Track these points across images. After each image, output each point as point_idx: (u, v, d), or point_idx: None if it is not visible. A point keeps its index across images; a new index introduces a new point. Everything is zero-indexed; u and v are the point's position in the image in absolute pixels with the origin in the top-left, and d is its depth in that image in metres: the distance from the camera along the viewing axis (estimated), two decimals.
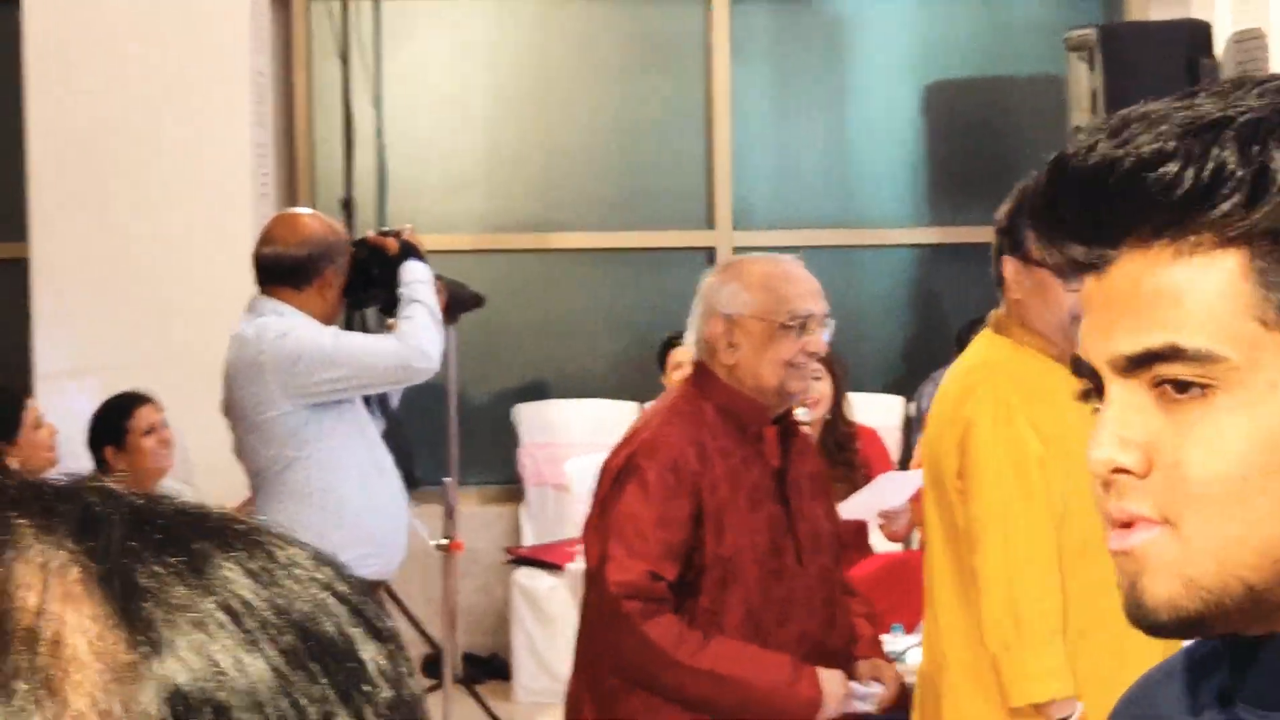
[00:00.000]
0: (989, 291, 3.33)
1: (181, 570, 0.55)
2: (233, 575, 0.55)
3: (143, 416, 4.74)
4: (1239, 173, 0.94)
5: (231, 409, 4.10)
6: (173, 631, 0.53)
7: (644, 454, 3.23)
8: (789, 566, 3.24)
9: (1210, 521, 0.98)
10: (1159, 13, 7.24)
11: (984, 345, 3.31)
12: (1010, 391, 3.07)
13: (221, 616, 0.54)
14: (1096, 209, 1.01)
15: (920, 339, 6.85)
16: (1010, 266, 3.19)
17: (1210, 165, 0.94)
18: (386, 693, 0.57)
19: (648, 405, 6.67)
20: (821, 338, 3.20)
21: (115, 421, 4.73)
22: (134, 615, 0.53)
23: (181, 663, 0.53)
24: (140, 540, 0.55)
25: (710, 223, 7.06)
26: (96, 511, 0.55)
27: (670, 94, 7.11)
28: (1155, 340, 0.98)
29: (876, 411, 5.99)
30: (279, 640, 0.55)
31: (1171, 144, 0.95)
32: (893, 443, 5.94)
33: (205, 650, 0.54)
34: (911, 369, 6.03)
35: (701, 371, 3.29)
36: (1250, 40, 6.37)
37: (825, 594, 3.21)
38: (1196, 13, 6.89)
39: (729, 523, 3.20)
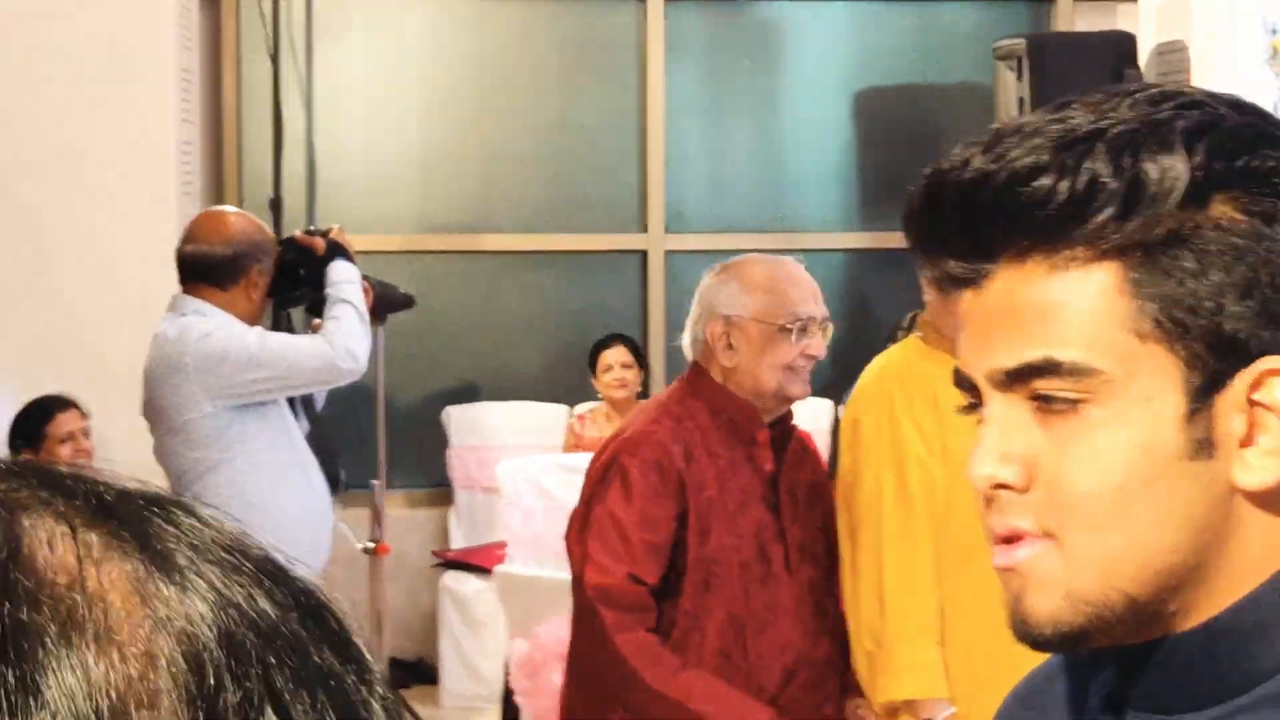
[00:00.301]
0: (918, 296, 3.34)
1: (178, 523, 0.57)
2: (216, 533, 0.57)
3: (62, 423, 4.67)
4: (1111, 185, 0.94)
5: (152, 411, 4.04)
6: (197, 575, 0.55)
7: (627, 452, 3.17)
8: (775, 573, 3.17)
9: (1091, 535, 0.98)
10: (1085, 24, 7.33)
11: (898, 348, 3.32)
12: (898, 392, 3.07)
13: (227, 560, 0.56)
14: (971, 224, 1.00)
15: (849, 343, 6.89)
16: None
17: (1083, 178, 0.94)
18: (377, 667, 0.58)
19: (581, 408, 6.73)
20: (821, 341, 3.17)
21: (34, 425, 4.66)
22: (159, 563, 0.55)
23: (211, 602, 0.55)
24: (133, 502, 0.57)
25: (642, 226, 7.03)
26: (79, 482, 0.57)
27: (603, 97, 7.12)
28: (1032, 354, 0.98)
29: (806, 415, 6.00)
30: (277, 592, 0.57)
31: (1045, 157, 0.94)
32: (822, 445, 5.98)
33: (229, 591, 0.55)
34: (840, 373, 6.05)
35: (696, 372, 3.24)
36: (1173, 52, 6.41)
37: (813, 604, 3.13)
38: (1122, 25, 6.95)
39: (714, 524, 3.14)
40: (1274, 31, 5.70)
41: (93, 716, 0.51)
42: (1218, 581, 0.98)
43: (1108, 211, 0.94)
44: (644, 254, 6.94)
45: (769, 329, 3.15)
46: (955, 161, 1.00)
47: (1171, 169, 0.94)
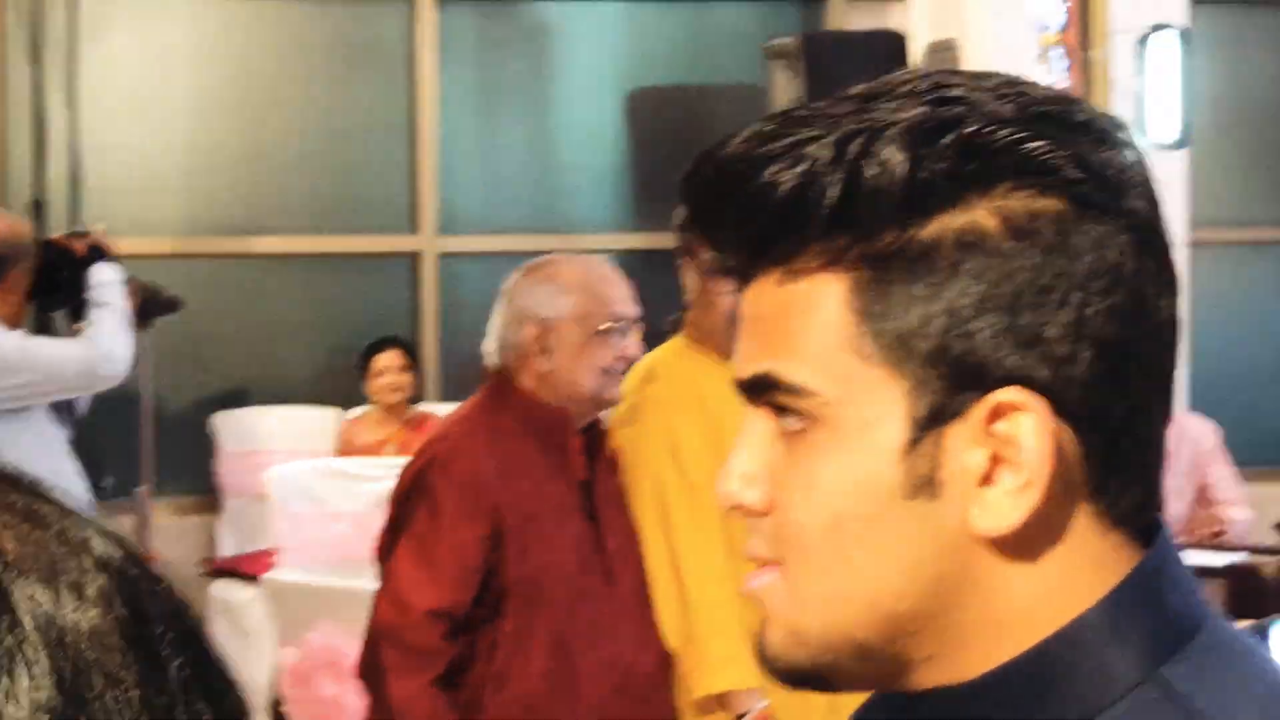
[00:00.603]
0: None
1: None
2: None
3: None
4: (827, 178, 0.87)
5: None
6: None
7: (438, 469, 3.05)
8: (598, 586, 3.06)
9: (811, 570, 0.91)
10: (857, 23, 7.48)
11: (664, 348, 3.32)
12: (665, 392, 3.09)
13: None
14: (718, 212, 0.95)
15: None
16: (684, 269, 3.23)
17: (801, 167, 0.87)
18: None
19: (353, 412, 6.67)
20: (637, 342, 3.08)
21: None
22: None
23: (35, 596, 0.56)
24: None
25: (415, 228, 7.07)
26: None
27: (374, 98, 7.18)
28: (757, 367, 0.92)
29: None
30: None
31: (778, 145, 0.88)
32: None
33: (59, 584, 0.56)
34: None
35: (500, 380, 3.13)
36: (943, 51, 6.60)
37: (639, 614, 3.04)
38: (894, 23, 7.11)
39: (532, 542, 3.01)
40: (1045, 29, 5.81)
41: None
42: (974, 633, 0.90)
43: (825, 209, 0.87)
44: (416, 256, 6.99)
45: (587, 330, 3.06)
46: (719, 144, 0.94)
47: (891, 165, 0.87)
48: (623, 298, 3.08)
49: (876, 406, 0.88)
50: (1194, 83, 6.26)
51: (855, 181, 0.85)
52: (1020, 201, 0.87)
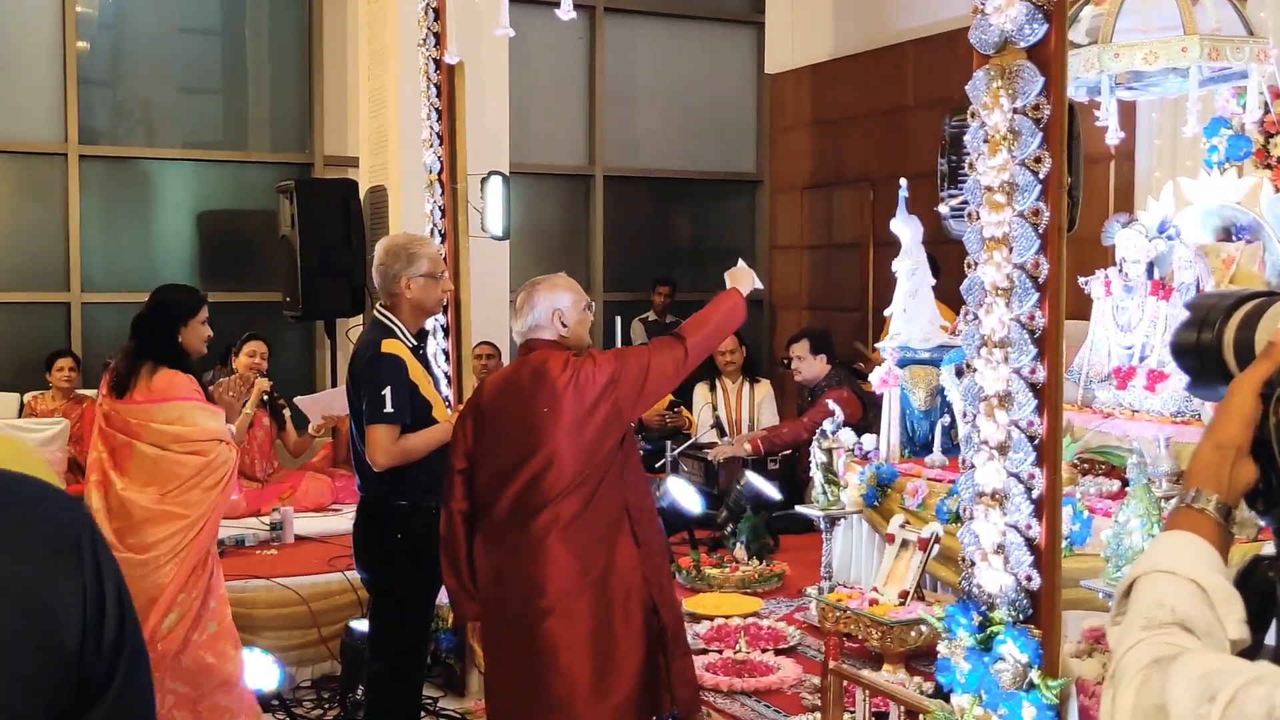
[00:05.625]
0: None
1: None
2: None
3: None
4: None
5: None
6: None
7: None
8: None
9: None
10: (330, 174, 10.65)
11: None
12: None
13: None
14: None
15: None
16: None
17: None
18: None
19: (34, 394, 9.15)
20: None
21: None
22: None
23: None
24: None
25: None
26: None
27: None
28: None
29: None
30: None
31: None
32: None
33: None
34: None
35: None
36: (378, 194, 9.67)
37: None
38: (351, 175, 9.97)
39: None
40: (430, 170, 6.45)
41: None
42: None
43: None
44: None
45: None
46: None
47: None
48: None
49: None
50: (510, 204, 8.43)
51: None
52: None
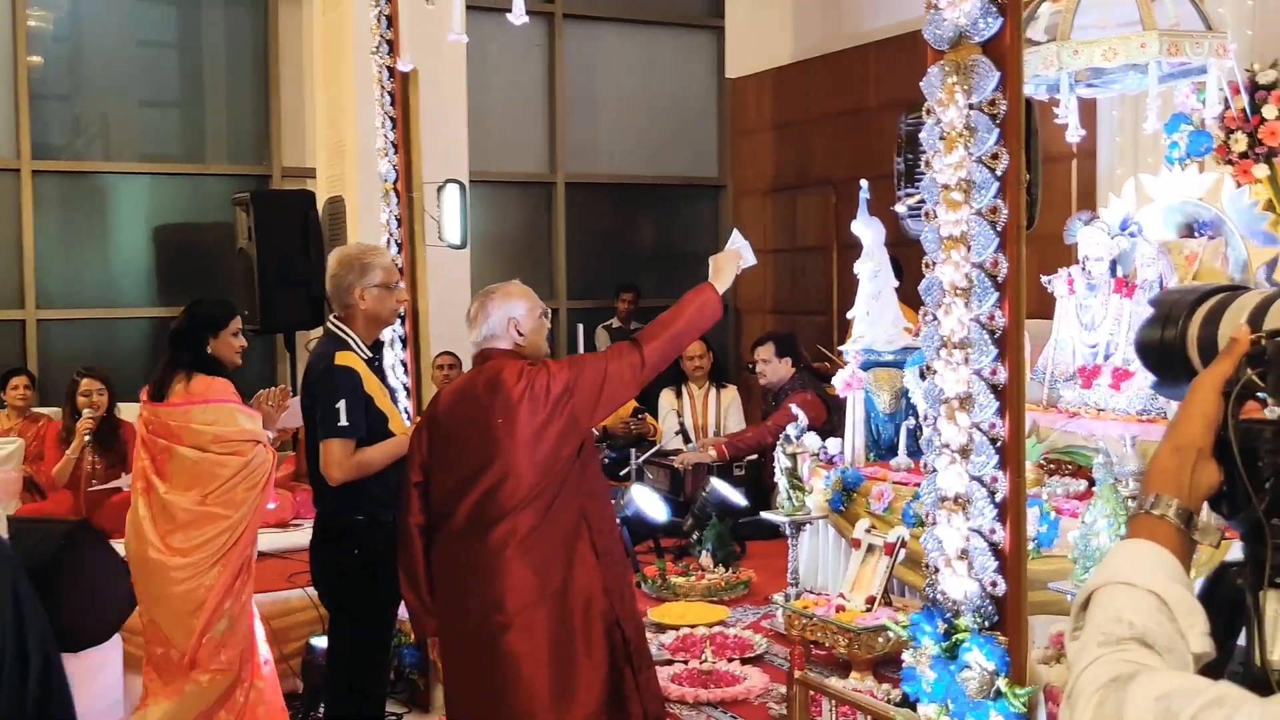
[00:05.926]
0: None
1: None
2: None
3: None
4: None
5: None
6: None
7: None
8: None
9: None
10: (288, 185, 10.64)
11: None
12: None
13: None
14: None
15: None
16: None
17: None
18: None
19: None
20: None
21: None
22: None
23: None
24: None
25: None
26: None
27: None
28: None
29: None
30: None
31: None
32: None
33: None
34: None
35: None
36: (336, 204, 9.65)
37: None
38: (309, 186, 9.91)
39: None
40: (385, 179, 6.35)
41: None
42: None
43: None
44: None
45: None
46: None
47: None
48: None
49: None
50: (468, 212, 7.92)
51: None
52: None
